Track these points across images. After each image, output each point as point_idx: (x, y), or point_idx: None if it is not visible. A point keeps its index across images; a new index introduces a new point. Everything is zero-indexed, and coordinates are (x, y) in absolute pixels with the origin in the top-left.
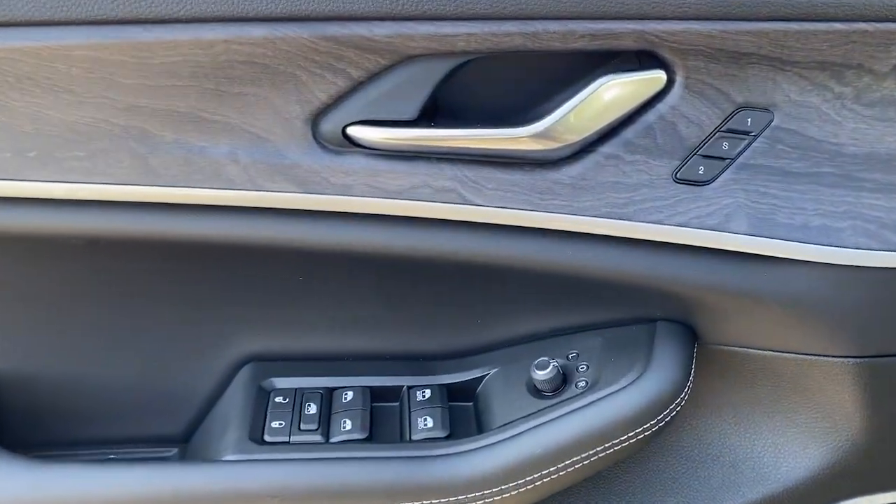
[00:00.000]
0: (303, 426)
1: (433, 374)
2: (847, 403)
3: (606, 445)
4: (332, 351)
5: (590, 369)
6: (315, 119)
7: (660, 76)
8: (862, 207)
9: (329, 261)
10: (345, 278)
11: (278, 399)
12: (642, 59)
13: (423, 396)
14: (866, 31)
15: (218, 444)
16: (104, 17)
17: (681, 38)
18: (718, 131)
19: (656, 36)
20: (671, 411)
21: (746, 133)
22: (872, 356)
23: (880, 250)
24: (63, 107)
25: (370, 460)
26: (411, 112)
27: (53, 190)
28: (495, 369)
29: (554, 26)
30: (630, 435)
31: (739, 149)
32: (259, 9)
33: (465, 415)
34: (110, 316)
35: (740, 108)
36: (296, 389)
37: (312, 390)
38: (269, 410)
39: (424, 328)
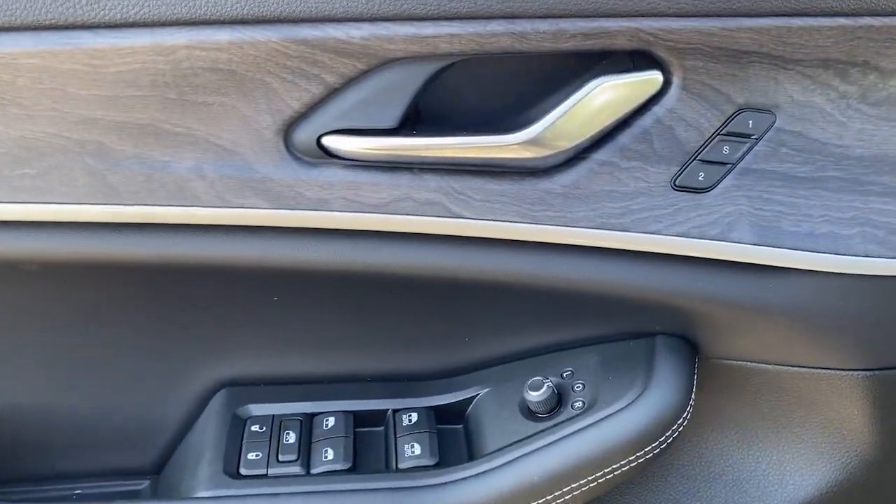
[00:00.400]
0: (281, 457)
1: (420, 395)
2: (856, 418)
3: (606, 470)
4: (312, 374)
5: (586, 388)
6: (287, 129)
7: (656, 77)
8: (870, 213)
9: (306, 279)
10: (323, 297)
11: (254, 428)
12: (637, 59)
13: (410, 420)
14: (872, 27)
15: (191, 479)
16: (53, 21)
17: (677, 37)
18: (718, 134)
19: (652, 34)
20: (673, 432)
21: (748, 136)
22: (882, 368)
23: (890, 258)
24: (10, 121)
25: (354, 493)
26: (392, 120)
27: (2, 211)
28: (486, 389)
29: (543, 25)
30: (631, 458)
31: (741, 153)
32: (223, 11)
33: (454, 439)
34: (72, 343)
35: (741, 109)
36: (273, 416)
37: (291, 417)
38: (244, 441)
39: (410, 347)
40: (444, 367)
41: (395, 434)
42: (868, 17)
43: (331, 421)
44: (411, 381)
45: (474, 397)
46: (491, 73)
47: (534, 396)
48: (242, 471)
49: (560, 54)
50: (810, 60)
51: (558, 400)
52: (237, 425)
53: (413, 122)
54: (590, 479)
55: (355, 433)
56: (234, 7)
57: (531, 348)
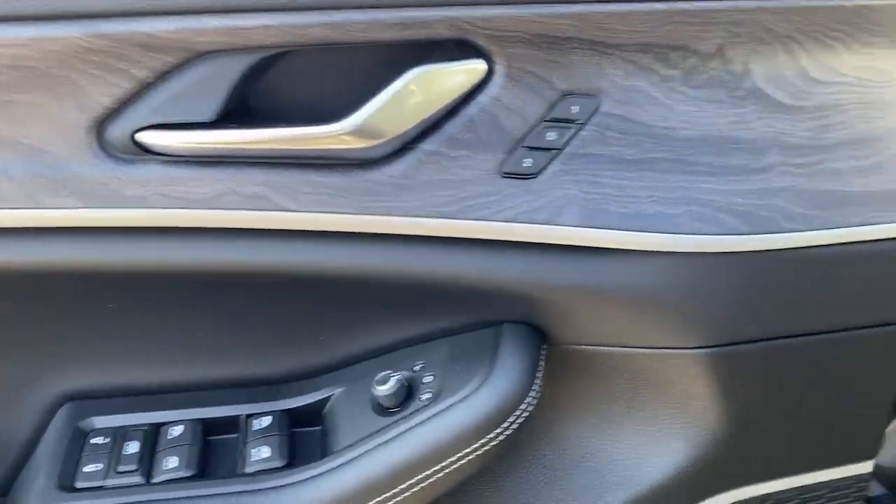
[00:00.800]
0: (121, 468)
1: (275, 399)
2: (703, 396)
3: (453, 459)
4: (162, 383)
5: (435, 380)
6: (99, 126)
7: (479, 66)
8: (696, 192)
9: (138, 283)
10: (161, 301)
11: (96, 440)
12: (462, 48)
13: (262, 425)
14: (686, 11)
15: (25, 496)
16: None
17: (496, 25)
18: (543, 121)
19: (468, 23)
20: (518, 417)
21: (573, 121)
22: (721, 345)
23: (717, 234)
24: None
25: (196, 499)
26: (209, 113)
27: None
28: (341, 389)
29: (358, 16)
30: (476, 446)
31: (567, 138)
32: (21, 7)
33: (310, 441)
34: None
35: (565, 95)
36: (117, 428)
37: (136, 428)
38: (83, 453)
39: (262, 350)
40: (299, 369)
41: (247, 439)
42: (682, 2)
43: (178, 429)
44: (267, 386)
45: (330, 398)
46: (315, 64)
47: (381, 391)
48: (78, 484)
49: (383, 45)
50: (630, 45)
51: (408, 393)
52: (78, 438)
53: (238, 115)
54: (436, 469)
55: (208, 441)
56: (32, 3)
57: (386, 345)
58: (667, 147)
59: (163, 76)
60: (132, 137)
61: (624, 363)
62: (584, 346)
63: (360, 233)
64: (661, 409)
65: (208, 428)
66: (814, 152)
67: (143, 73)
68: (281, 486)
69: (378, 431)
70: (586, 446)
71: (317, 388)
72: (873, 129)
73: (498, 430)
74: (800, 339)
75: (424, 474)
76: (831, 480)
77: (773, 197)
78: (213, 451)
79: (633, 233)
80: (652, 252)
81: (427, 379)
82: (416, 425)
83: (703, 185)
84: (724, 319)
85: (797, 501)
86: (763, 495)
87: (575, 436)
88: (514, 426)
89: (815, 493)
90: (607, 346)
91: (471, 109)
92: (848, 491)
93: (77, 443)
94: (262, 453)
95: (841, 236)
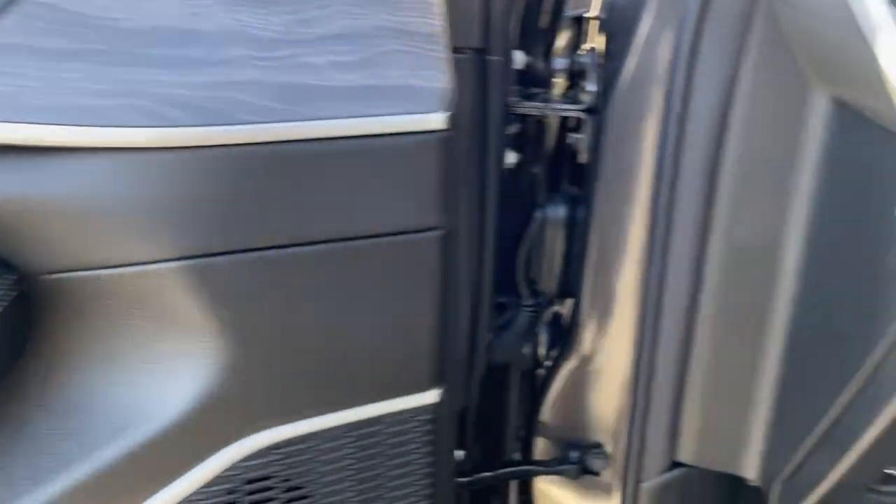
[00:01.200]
0: None
1: None
2: (201, 320)
3: None
4: None
5: None
6: None
7: None
8: (139, 84)
9: None
10: None
11: None
12: None
13: None
14: None
15: None
16: None
17: None
18: None
19: None
20: None
21: None
22: (200, 256)
23: (156, 126)
24: None
25: None
26: None
27: None
28: None
29: None
30: None
31: None
32: None
33: None
34: None
35: None
36: None
37: None
38: None
39: None
40: None
41: None
42: None
43: None
44: None
45: None
46: None
47: None
48: None
49: None
50: None
51: None
52: None
53: None
54: None
55: None
56: None
57: None
58: (106, 38)
59: None
60: None
61: (114, 288)
62: (66, 275)
63: None
64: (164, 340)
65: None
66: (287, 46)
67: None
68: None
69: None
70: (91, 391)
71: None
72: (357, 25)
73: None
74: (294, 249)
75: None
76: (383, 415)
77: (232, 89)
78: None
79: (58, 126)
80: (91, 149)
81: None
82: None
83: (147, 77)
84: (197, 225)
85: (351, 439)
86: (304, 435)
87: (78, 379)
88: None
89: (370, 430)
90: (88, 269)
91: None
92: (409, 426)
93: None
94: None
95: (313, 130)
